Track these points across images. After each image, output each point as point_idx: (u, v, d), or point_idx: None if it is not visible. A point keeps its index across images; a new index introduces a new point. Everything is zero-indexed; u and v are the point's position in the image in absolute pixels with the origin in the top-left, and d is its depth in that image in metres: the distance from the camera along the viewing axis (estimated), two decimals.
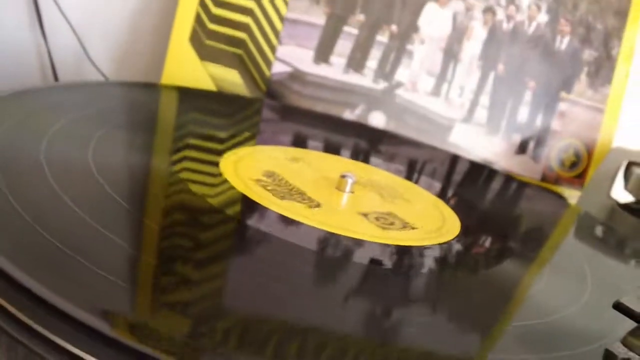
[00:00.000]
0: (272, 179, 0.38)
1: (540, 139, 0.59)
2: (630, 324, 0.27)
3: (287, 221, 0.33)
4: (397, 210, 0.39)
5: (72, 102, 0.40)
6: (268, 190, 0.36)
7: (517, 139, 0.58)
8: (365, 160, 0.49)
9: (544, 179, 0.59)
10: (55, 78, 0.57)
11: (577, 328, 0.31)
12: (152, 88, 0.51)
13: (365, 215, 0.37)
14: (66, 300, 0.22)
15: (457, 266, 0.36)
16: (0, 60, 0.54)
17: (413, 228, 0.37)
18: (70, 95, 0.41)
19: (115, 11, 0.57)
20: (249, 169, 0.39)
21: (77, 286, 0.23)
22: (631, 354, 0.26)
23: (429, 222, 0.39)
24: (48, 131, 0.34)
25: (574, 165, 0.59)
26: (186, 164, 0.38)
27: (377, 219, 0.37)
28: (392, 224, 0.37)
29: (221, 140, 0.44)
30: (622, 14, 0.58)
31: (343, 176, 0.39)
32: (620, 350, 0.26)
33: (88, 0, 0.57)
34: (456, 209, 0.42)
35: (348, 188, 0.39)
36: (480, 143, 0.58)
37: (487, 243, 0.40)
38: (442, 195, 0.46)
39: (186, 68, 0.55)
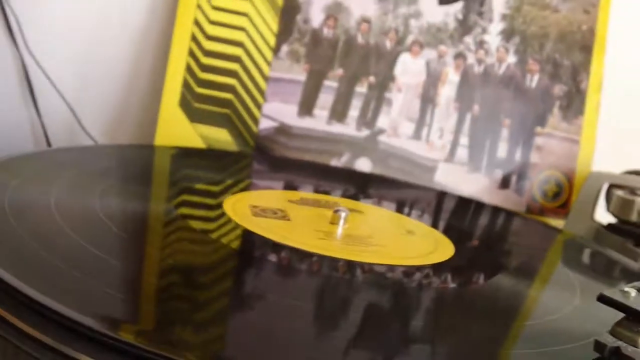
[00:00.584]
0: (275, 216, 0.40)
1: (521, 173, 0.61)
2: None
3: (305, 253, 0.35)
4: (391, 238, 0.41)
5: (75, 162, 0.42)
6: (274, 225, 0.38)
7: (498, 174, 0.61)
8: (356, 199, 0.50)
9: (529, 210, 0.61)
10: (49, 145, 0.59)
11: (569, 329, 0.33)
12: (146, 148, 0.53)
13: (364, 244, 0.39)
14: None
15: (458, 282, 0.37)
16: None
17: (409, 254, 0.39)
18: (72, 156, 0.43)
19: (105, 78, 0.60)
20: (245, 208, 0.41)
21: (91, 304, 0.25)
22: (619, 343, 0.27)
23: (424, 246, 0.41)
24: (56, 184, 0.36)
25: (556, 195, 0.61)
26: (185, 209, 0.40)
27: (374, 245, 0.39)
28: (388, 248, 0.39)
29: (220, 189, 0.46)
30: (587, 49, 0.62)
31: (336, 211, 0.40)
32: (608, 340, 0.27)
33: (78, 69, 0.59)
34: (450, 236, 0.44)
35: (342, 222, 0.40)
36: (464, 181, 0.60)
37: (483, 265, 0.42)
38: (435, 226, 0.48)
39: (177, 131, 0.57)
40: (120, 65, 0.60)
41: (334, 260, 0.35)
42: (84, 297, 0.26)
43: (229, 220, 0.38)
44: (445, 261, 0.39)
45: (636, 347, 0.27)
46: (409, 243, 0.42)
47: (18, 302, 0.25)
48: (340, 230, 0.40)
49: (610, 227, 0.52)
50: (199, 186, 0.46)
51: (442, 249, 0.41)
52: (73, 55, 0.60)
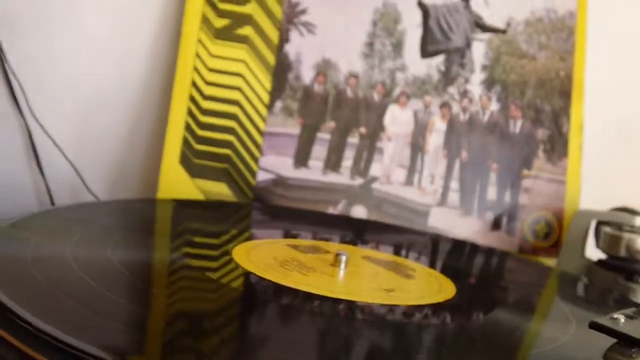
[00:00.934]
0: (280, 264, 0.42)
1: (512, 215, 0.63)
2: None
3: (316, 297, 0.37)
4: (395, 280, 0.43)
5: (84, 218, 0.44)
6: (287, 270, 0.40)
7: (490, 216, 0.63)
8: (355, 243, 0.52)
9: (521, 250, 0.63)
10: (52, 204, 0.61)
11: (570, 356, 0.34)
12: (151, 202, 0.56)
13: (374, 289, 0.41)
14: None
15: (460, 320, 0.39)
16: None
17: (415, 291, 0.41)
18: (84, 212, 0.46)
19: (106, 139, 0.62)
20: (258, 257, 0.43)
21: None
22: None
23: (426, 286, 0.43)
24: (70, 239, 0.38)
25: (547, 235, 0.63)
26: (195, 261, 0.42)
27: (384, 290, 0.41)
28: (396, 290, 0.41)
29: (225, 240, 0.48)
30: (566, 94, 0.65)
31: (337, 254, 0.42)
32: None
33: (80, 131, 0.62)
34: (449, 276, 0.45)
35: (343, 265, 0.42)
36: (457, 224, 0.62)
37: (484, 301, 0.44)
38: (433, 267, 0.50)
39: (178, 186, 0.59)
40: (120, 126, 0.63)
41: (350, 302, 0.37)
42: (99, 334, 0.28)
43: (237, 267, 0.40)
44: (450, 299, 0.41)
45: None
46: (411, 285, 0.44)
47: (42, 340, 0.27)
48: (342, 274, 0.42)
49: (600, 263, 0.54)
50: (202, 239, 0.48)
51: (444, 289, 0.43)
52: (75, 118, 0.62)
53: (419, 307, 0.38)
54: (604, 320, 0.29)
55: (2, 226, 0.39)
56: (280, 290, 0.37)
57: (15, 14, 0.60)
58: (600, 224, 0.57)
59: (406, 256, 0.51)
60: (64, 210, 0.46)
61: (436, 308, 0.39)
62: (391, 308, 0.38)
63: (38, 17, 0.61)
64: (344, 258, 0.42)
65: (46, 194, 0.61)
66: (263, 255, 0.43)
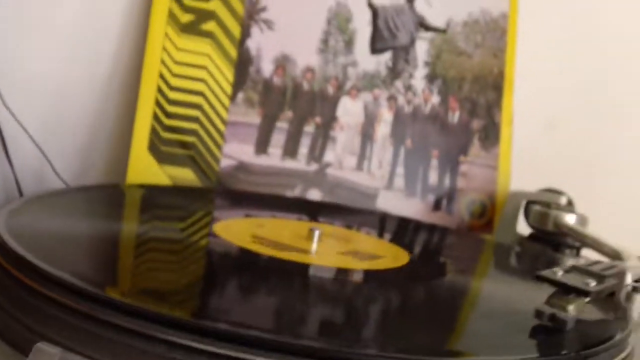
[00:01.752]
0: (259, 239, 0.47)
1: (450, 197, 0.70)
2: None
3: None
4: (361, 249, 0.49)
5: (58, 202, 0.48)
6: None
7: (431, 198, 0.69)
8: (316, 221, 0.58)
9: (458, 229, 0.70)
10: (20, 194, 0.63)
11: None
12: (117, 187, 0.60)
13: (343, 254, 0.46)
14: None
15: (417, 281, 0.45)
16: None
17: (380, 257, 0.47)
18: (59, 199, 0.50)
19: (75, 127, 0.65)
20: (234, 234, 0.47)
21: None
22: (554, 310, 0.35)
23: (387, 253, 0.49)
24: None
25: (481, 215, 0.70)
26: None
27: (353, 255, 0.46)
28: (363, 257, 0.46)
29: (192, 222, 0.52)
30: (498, 88, 0.72)
31: (311, 230, 0.48)
32: (545, 309, 0.35)
33: (49, 122, 0.64)
34: (402, 246, 0.52)
35: (316, 238, 0.47)
36: (402, 205, 0.69)
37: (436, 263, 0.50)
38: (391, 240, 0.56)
39: (147, 172, 0.63)
40: (88, 116, 0.66)
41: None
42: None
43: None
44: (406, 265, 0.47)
45: (566, 312, 0.35)
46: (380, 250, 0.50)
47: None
48: (315, 246, 0.47)
49: (531, 237, 0.62)
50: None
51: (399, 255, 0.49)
52: (44, 109, 0.65)
53: (385, 271, 0.44)
54: (546, 273, 0.36)
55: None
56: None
57: None
58: (529, 203, 0.64)
59: (358, 231, 0.57)
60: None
61: (397, 271, 0.45)
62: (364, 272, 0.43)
63: (7, 12, 0.63)
64: (317, 232, 0.47)
65: (14, 183, 0.64)
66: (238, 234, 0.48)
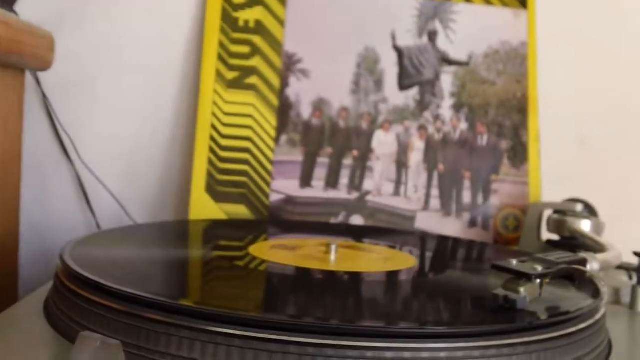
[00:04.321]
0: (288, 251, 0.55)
1: (485, 213, 0.75)
2: None
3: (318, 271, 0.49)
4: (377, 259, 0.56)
5: (135, 235, 0.58)
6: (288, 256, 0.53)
7: (467, 216, 0.75)
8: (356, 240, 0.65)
9: (496, 242, 0.75)
10: None
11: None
12: (185, 223, 0.69)
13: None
14: None
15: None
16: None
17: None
18: (132, 231, 0.59)
19: (145, 177, 0.76)
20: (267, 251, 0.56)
21: None
22: (509, 293, 0.40)
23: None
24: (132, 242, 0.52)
25: (516, 228, 0.75)
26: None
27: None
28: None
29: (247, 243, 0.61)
30: (523, 111, 0.78)
31: (328, 244, 0.55)
32: (501, 292, 0.40)
33: (124, 175, 0.76)
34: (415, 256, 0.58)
35: (333, 251, 0.55)
36: (439, 225, 0.75)
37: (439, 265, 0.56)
38: (422, 256, 0.62)
39: (206, 210, 0.72)
40: (155, 167, 0.77)
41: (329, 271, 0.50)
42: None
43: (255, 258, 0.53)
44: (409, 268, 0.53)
45: (518, 294, 0.40)
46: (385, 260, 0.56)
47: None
48: (333, 257, 0.54)
49: (550, 242, 0.66)
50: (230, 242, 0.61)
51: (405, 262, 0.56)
52: (119, 165, 0.76)
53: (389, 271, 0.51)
54: (500, 262, 0.41)
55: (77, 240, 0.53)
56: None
57: (69, 84, 0.75)
58: (554, 213, 0.69)
59: (400, 249, 0.64)
60: (126, 229, 0.60)
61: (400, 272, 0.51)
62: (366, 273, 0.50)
63: (85, 85, 0.76)
64: (333, 247, 0.55)
65: (95, 228, 0.76)
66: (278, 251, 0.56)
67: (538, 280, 0.40)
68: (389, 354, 0.34)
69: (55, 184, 0.76)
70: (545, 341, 0.37)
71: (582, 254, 0.44)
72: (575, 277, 0.43)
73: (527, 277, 0.40)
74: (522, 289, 0.40)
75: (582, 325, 0.38)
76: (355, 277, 0.48)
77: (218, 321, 0.34)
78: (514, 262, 0.41)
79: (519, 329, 0.37)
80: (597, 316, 0.41)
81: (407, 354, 0.34)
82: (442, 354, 0.34)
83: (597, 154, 0.81)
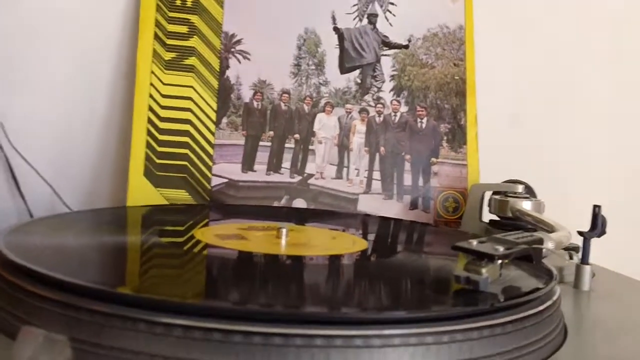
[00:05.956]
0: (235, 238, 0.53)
1: (426, 196, 0.76)
2: None
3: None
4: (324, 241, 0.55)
5: (69, 223, 0.55)
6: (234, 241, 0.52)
7: (407, 199, 0.76)
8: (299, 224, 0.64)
9: (436, 224, 0.76)
10: None
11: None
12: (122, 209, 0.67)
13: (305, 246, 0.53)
14: None
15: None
16: None
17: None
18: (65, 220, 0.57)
19: (79, 161, 0.73)
20: (212, 235, 0.54)
21: None
22: (470, 274, 0.41)
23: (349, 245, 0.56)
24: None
25: (455, 209, 0.76)
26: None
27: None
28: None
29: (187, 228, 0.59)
30: (461, 94, 0.79)
31: (279, 228, 0.54)
32: (463, 273, 0.41)
33: (56, 159, 0.72)
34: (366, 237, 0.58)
35: (284, 235, 0.54)
36: (381, 207, 0.75)
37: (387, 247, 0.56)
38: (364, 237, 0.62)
39: (145, 196, 0.70)
40: (90, 150, 0.74)
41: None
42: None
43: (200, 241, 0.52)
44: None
45: (480, 275, 0.40)
46: (334, 243, 0.56)
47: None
48: (283, 241, 0.54)
49: (493, 223, 0.68)
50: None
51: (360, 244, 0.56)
52: (51, 149, 0.73)
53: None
54: (461, 243, 0.41)
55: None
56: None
57: None
58: (493, 194, 0.70)
59: (343, 231, 0.63)
60: (63, 216, 0.57)
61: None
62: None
63: (14, 65, 0.72)
64: (284, 230, 0.54)
65: (28, 216, 0.72)
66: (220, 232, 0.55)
67: (499, 261, 0.41)
68: (358, 341, 0.33)
69: None
70: (511, 322, 0.37)
71: (538, 234, 0.45)
72: (533, 257, 0.43)
73: (490, 258, 0.40)
74: (484, 270, 0.40)
75: (546, 305, 0.39)
76: (306, 261, 0.48)
77: (158, 310, 0.33)
78: (475, 242, 0.41)
79: (483, 312, 0.37)
80: (555, 296, 0.42)
81: (396, 340, 0.34)
82: (412, 339, 0.34)
83: (531, 134, 0.83)
